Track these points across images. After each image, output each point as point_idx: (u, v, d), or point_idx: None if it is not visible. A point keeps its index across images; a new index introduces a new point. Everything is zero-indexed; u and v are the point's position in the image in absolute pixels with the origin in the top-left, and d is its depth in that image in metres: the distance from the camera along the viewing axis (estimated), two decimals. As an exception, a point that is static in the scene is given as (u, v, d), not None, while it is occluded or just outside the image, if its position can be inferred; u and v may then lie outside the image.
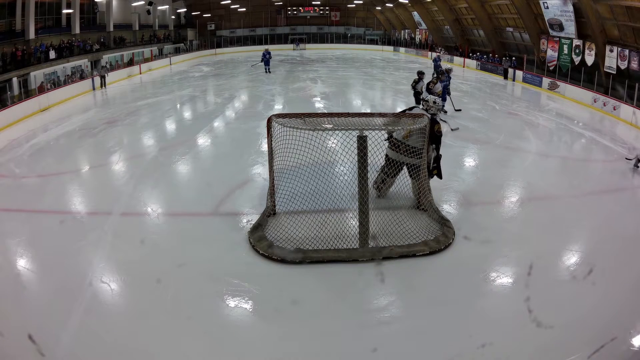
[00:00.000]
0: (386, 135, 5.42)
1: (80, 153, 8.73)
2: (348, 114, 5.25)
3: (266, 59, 20.00)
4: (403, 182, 5.57)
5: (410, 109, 6.00)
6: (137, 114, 12.15)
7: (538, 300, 3.77)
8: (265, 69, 20.06)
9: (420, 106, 5.83)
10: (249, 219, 5.27)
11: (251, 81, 18.00)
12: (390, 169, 5.51)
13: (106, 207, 5.75)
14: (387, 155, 5.51)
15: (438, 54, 23.72)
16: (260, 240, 4.68)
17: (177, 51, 30.06)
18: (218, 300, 3.87)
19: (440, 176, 5.69)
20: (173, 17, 33.13)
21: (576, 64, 16.55)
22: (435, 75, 9.54)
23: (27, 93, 15.47)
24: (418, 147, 5.18)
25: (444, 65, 20.76)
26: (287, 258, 4.39)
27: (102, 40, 24.03)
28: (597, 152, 8.87)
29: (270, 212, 5.25)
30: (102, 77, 17.68)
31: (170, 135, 10.12)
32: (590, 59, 15.88)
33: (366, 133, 4.49)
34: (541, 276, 4.17)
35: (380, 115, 5.34)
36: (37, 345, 3.26)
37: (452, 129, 8.02)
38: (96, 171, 7.58)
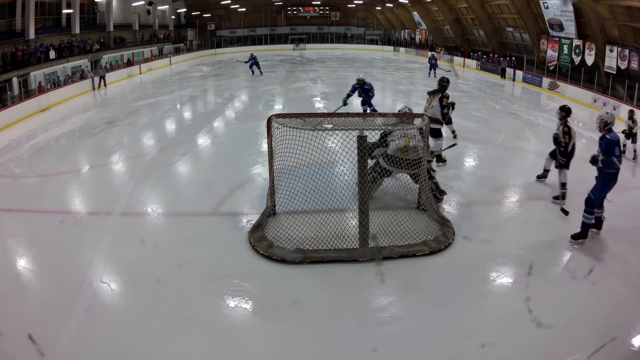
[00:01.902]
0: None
1: (80, 153, 8.73)
2: (348, 114, 5.25)
3: (252, 62, 19.31)
4: (403, 182, 5.57)
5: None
6: (137, 114, 12.15)
7: (538, 300, 3.77)
8: (252, 71, 19.41)
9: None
10: (249, 219, 5.27)
11: (251, 81, 18.00)
12: (383, 172, 5.46)
13: (106, 207, 5.75)
14: (379, 164, 5.40)
15: (433, 52, 23.63)
16: (260, 240, 4.68)
17: (177, 51, 30.08)
18: (218, 300, 3.87)
19: (443, 160, 5.57)
20: (173, 17, 33.13)
21: (576, 64, 16.56)
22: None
23: (27, 93, 15.49)
24: (418, 157, 5.16)
25: (442, 65, 20.68)
26: (287, 258, 4.39)
27: (102, 40, 24.03)
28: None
29: (270, 212, 5.25)
30: (102, 77, 17.72)
31: (170, 135, 10.12)
32: (590, 59, 15.89)
33: (366, 133, 4.49)
34: (541, 276, 4.17)
35: (380, 115, 5.34)
36: (37, 345, 3.26)
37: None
38: (96, 171, 7.58)
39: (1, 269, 4.48)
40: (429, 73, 19.13)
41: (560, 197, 5.74)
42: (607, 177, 4.86)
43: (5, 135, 10.31)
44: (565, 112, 5.98)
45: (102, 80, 17.65)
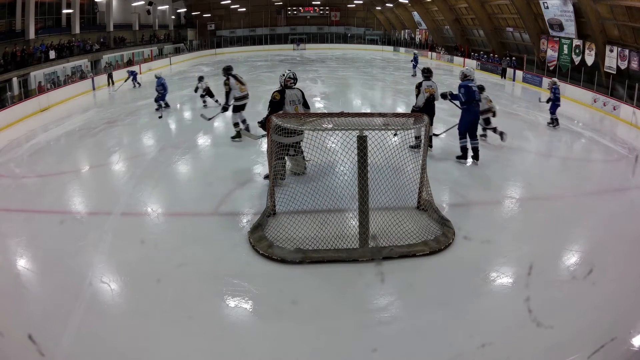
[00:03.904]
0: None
1: (80, 153, 8.73)
2: (348, 114, 5.25)
3: (132, 77, 16.74)
4: (404, 181, 5.56)
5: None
6: (137, 114, 12.15)
7: (538, 300, 3.76)
8: (136, 84, 17.03)
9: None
10: (249, 219, 5.27)
11: (251, 81, 17.97)
12: (282, 151, 5.62)
13: (106, 207, 5.75)
14: (275, 141, 5.42)
15: (415, 51, 23.66)
16: (260, 240, 4.68)
17: (177, 51, 30.12)
18: (218, 300, 3.87)
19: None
20: (173, 17, 33.16)
21: (576, 64, 16.57)
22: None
23: (27, 93, 15.51)
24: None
25: (421, 61, 20.68)
26: (287, 258, 4.39)
27: (102, 40, 24.05)
28: (597, 152, 8.87)
29: (270, 212, 5.25)
30: (110, 76, 18.11)
31: (170, 135, 10.12)
32: (590, 59, 15.90)
33: (366, 133, 4.49)
34: (541, 276, 4.16)
35: (380, 115, 5.34)
36: (37, 345, 3.25)
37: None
38: (96, 171, 7.58)
39: (1, 269, 4.48)
40: (414, 73, 19.02)
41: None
42: (463, 113, 7.16)
43: (5, 135, 10.32)
44: (428, 72, 7.60)
45: (110, 79, 18.08)
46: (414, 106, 7.56)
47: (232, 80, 8.06)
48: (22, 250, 4.83)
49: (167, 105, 12.27)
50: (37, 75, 16.91)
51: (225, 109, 8.13)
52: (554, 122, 10.10)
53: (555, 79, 10.55)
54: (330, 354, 3.32)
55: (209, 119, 9.16)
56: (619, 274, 4.26)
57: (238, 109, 8.17)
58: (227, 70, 8.22)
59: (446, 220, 5.09)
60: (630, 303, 3.85)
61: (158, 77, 12.08)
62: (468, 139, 7.15)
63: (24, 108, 12.64)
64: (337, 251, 4.48)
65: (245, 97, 8.15)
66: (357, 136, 4.47)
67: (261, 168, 6.92)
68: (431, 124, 7.29)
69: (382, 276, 4.20)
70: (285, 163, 6.05)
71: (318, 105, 12.67)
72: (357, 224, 4.55)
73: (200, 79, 12.72)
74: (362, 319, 3.65)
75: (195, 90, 12.78)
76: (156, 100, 12.03)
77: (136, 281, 4.15)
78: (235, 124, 8.29)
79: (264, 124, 5.80)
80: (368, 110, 12.03)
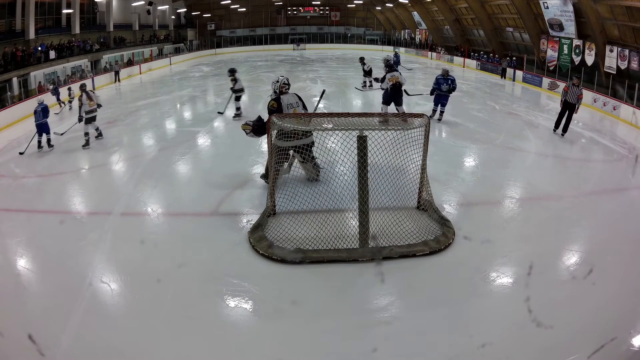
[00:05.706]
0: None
1: (80, 153, 8.72)
2: (348, 114, 5.25)
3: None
4: (404, 181, 5.57)
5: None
6: (137, 114, 12.15)
7: (538, 300, 3.76)
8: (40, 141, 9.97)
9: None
10: (249, 219, 5.27)
11: (251, 81, 17.99)
12: (281, 157, 5.59)
13: (106, 207, 5.75)
14: (277, 146, 5.42)
15: (396, 50, 23.72)
16: (260, 240, 4.68)
17: (177, 51, 30.12)
18: (218, 300, 3.87)
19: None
20: (173, 17, 33.16)
21: (576, 64, 16.57)
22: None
23: (27, 93, 15.51)
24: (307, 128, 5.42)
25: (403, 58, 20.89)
26: (287, 258, 4.39)
27: (102, 40, 24.06)
28: (597, 152, 8.86)
29: (270, 212, 5.25)
30: (116, 73, 18.50)
31: (170, 135, 10.11)
32: (590, 59, 15.90)
33: (366, 133, 4.49)
34: (541, 276, 4.17)
35: (380, 115, 5.33)
36: (37, 345, 3.25)
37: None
38: (96, 171, 7.58)
39: (1, 269, 4.48)
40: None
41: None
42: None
43: (5, 135, 10.32)
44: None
45: (116, 76, 18.50)
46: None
47: (84, 96, 9.20)
48: (22, 250, 4.83)
49: (39, 145, 8.83)
50: (37, 75, 16.93)
51: (80, 119, 9.10)
52: (438, 113, 10.41)
53: (447, 69, 10.41)
54: (330, 354, 3.32)
55: (62, 134, 9.64)
56: (619, 274, 4.27)
57: (89, 121, 9.12)
58: (82, 87, 9.48)
59: (446, 220, 5.10)
60: (630, 303, 3.86)
61: (44, 97, 10.58)
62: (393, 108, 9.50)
63: (24, 108, 12.63)
64: (337, 251, 4.48)
65: (94, 110, 9.25)
66: (357, 136, 4.47)
67: (261, 168, 6.92)
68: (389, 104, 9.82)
69: (382, 276, 4.20)
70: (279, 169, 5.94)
71: (318, 105, 12.64)
72: (357, 224, 4.55)
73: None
74: (362, 319, 3.65)
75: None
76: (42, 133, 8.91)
77: (136, 281, 4.15)
78: (86, 134, 9.07)
79: (257, 124, 6.03)
80: (368, 110, 12.02)
